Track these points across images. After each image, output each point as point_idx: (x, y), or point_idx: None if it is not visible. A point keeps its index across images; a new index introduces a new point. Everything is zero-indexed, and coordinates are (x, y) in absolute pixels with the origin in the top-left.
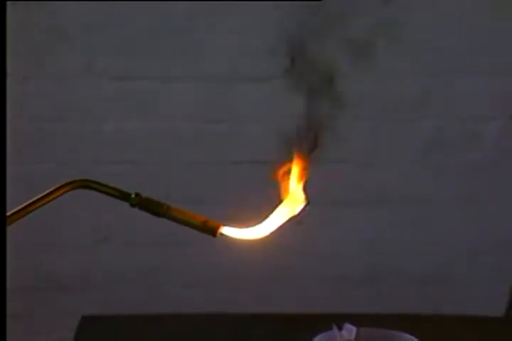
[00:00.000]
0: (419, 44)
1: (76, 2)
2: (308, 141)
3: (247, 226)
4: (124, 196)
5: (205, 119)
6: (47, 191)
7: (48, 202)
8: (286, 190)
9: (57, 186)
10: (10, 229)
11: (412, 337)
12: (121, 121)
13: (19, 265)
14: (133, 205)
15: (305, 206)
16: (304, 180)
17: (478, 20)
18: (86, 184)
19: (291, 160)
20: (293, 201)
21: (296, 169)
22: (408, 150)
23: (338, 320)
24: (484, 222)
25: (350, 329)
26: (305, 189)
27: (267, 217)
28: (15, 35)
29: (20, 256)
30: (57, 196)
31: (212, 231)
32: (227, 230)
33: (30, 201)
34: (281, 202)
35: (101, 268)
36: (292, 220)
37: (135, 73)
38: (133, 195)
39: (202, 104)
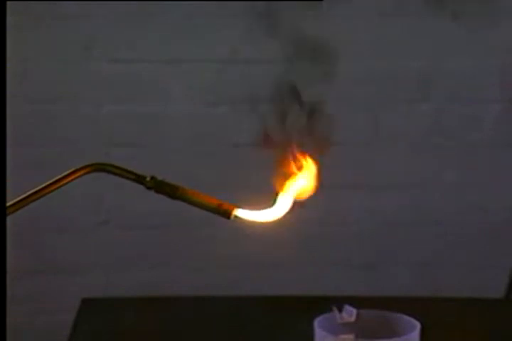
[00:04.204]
0: (420, 25)
1: None
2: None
3: (258, 209)
4: (139, 179)
5: (205, 102)
6: (63, 174)
7: (64, 184)
8: (295, 171)
9: (74, 169)
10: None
11: (412, 319)
12: (120, 103)
13: (20, 248)
14: (149, 188)
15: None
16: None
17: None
18: (102, 167)
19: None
20: (304, 182)
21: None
22: (408, 133)
23: (338, 302)
24: (484, 204)
25: (350, 311)
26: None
27: (274, 199)
28: (14, 16)
29: (20, 239)
30: (73, 179)
31: (227, 214)
32: (241, 213)
33: (47, 183)
34: (288, 183)
35: (101, 250)
36: (297, 203)
37: (135, 55)
38: (148, 178)
39: (202, 87)
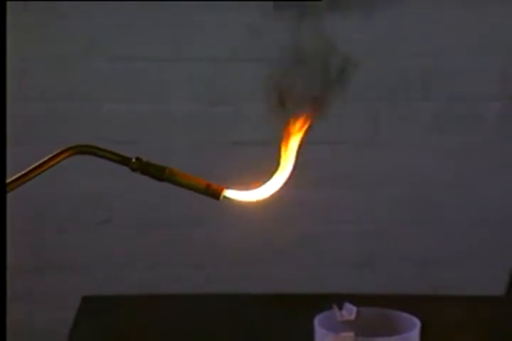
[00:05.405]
0: (420, 24)
1: None
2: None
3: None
4: (124, 161)
5: (205, 100)
6: (48, 156)
7: (49, 167)
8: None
9: (58, 152)
10: (12, 211)
11: (412, 317)
12: (120, 101)
13: (20, 246)
14: (134, 170)
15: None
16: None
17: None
18: (86, 149)
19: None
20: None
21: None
22: (408, 132)
23: (338, 300)
24: (484, 202)
25: (350, 309)
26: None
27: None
28: (14, 16)
29: (21, 236)
30: (58, 161)
31: (216, 195)
32: (230, 193)
33: (32, 166)
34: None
35: (101, 249)
36: (295, 201)
37: (135, 54)
38: (134, 159)
39: (202, 86)
